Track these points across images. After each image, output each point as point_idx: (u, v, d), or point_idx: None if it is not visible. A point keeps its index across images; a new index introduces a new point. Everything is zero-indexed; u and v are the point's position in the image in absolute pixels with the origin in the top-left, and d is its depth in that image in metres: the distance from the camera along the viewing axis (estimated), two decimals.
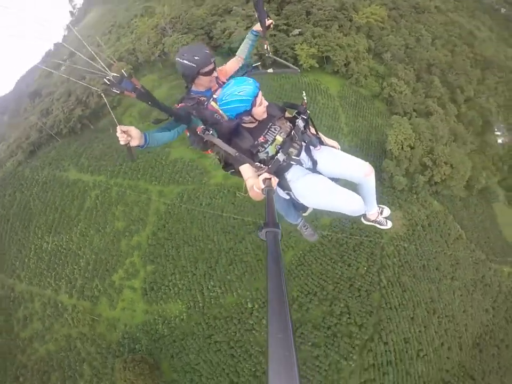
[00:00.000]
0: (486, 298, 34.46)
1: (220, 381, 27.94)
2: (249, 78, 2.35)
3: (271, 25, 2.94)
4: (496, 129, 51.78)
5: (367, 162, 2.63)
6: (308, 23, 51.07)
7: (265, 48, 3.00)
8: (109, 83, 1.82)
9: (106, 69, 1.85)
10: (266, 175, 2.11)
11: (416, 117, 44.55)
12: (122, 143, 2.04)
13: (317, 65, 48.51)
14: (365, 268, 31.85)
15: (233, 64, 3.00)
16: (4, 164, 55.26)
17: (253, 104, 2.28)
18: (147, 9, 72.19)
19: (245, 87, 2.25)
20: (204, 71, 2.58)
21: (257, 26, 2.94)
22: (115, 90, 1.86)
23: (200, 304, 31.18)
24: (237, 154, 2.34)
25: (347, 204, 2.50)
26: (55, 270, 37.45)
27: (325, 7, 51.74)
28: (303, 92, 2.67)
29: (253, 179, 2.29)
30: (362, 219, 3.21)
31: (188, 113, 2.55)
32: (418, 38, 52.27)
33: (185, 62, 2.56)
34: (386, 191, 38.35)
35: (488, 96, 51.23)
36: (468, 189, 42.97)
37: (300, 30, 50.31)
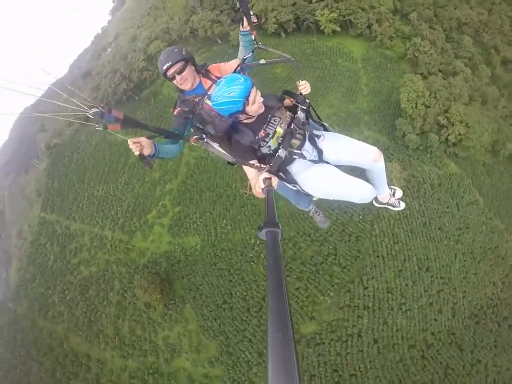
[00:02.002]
0: (496, 271, 34.29)
1: (216, 300, 35.44)
2: (240, 76, 2.34)
3: (256, 22, 2.99)
4: None
5: (375, 147, 2.66)
6: None
7: (254, 38, 3.04)
8: (92, 117, 1.87)
9: (84, 106, 1.88)
10: (266, 174, 2.23)
11: (443, 77, 45.52)
12: (136, 153, 2.24)
13: (339, 29, 51.98)
14: (360, 216, 35.50)
15: (233, 64, 3.04)
16: (64, 132, 70.10)
17: (245, 104, 2.30)
18: None
19: (235, 88, 2.25)
20: (167, 76, 2.76)
21: (244, 25, 2.98)
22: (98, 128, 1.93)
23: (213, 238, 39.39)
24: (234, 160, 2.54)
25: (357, 193, 2.59)
26: (103, 211, 49.03)
27: None
28: (299, 81, 2.68)
29: (254, 178, 2.42)
30: (374, 202, 3.26)
31: (186, 118, 2.81)
32: None
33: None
34: (399, 149, 40.96)
35: None
36: (494, 154, 43.33)
37: None
